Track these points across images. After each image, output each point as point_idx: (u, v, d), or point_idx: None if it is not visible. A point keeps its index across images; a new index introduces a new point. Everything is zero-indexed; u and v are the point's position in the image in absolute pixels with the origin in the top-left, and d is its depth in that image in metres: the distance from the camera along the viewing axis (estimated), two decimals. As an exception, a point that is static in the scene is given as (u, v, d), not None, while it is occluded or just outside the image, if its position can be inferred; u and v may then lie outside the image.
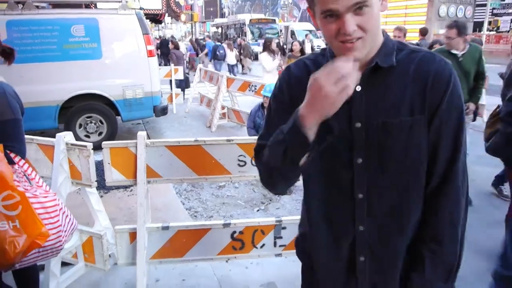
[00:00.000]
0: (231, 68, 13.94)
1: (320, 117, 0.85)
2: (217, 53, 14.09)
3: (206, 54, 14.99)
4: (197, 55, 15.19)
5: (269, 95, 4.90)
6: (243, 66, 15.50)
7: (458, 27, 3.38)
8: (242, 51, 16.16)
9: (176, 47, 11.70)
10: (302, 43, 7.57)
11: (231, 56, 14.17)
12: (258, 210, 3.96)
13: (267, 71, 7.04)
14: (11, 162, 1.71)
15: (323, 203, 1.04)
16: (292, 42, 7.42)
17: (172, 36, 22.31)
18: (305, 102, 0.86)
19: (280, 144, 0.90)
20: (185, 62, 12.79)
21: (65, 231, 1.78)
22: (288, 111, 0.92)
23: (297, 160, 0.90)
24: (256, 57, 21.58)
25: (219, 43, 15.16)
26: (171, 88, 8.56)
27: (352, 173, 0.97)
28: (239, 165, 2.39)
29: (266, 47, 7.17)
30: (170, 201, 4.02)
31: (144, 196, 2.34)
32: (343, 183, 0.98)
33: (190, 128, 7.39)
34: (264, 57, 7.13)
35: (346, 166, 0.97)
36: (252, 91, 6.37)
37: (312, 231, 1.08)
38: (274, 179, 1.01)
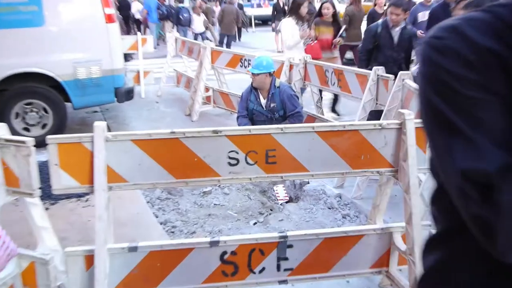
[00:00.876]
0: (197, 38, 13.74)
1: None
2: (180, 17, 13.96)
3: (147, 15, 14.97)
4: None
5: (258, 71, 5.01)
6: (228, 36, 14.99)
7: None
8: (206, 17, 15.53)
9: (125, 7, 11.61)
10: (334, 5, 6.79)
11: (198, 22, 14.05)
12: (255, 223, 3.98)
13: (289, 46, 6.37)
14: None
15: None
16: (322, 4, 6.80)
17: None
18: None
19: None
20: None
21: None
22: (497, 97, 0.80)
23: None
24: (251, 23, 21.48)
25: (181, 5, 14.99)
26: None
27: None
28: (229, 164, 2.40)
29: (294, 11, 6.43)
30: (139, 213, 4.03)
31: (104, 207, 2.34)
32: None
33: (164, 117, 7.39)
34: (287, 25, 6.42)
35: None
36: (245, 67, 6.37)
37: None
38: None
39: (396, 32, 5.36)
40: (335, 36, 6.67)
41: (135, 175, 2.37)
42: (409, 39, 5.41)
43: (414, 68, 5.20)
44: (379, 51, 5.41)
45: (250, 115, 4.92)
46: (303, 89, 5.80)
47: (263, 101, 4.86)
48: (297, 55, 5.90)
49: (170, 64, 8.81)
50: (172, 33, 9.17)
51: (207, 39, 12.13)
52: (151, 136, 2.35)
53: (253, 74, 4.78)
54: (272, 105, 4.82)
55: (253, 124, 4.81)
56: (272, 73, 4.80)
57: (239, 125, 4.89)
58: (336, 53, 6.87)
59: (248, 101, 4.91)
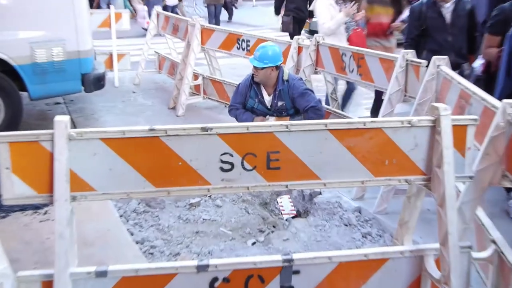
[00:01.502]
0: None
1: None
2: None
3: None
4: None
5: (262, 65, 4.86)
6: (215, 7, 14.83)
7: None
8: None
9: None
10: None
11: None
12: (254, 243, 3.98)
13: (329, 31, 6.05)
14: None
15: None
16: None
17: None
18: None
19: None
20: None
21: None
22: None
23: None
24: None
25: None
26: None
27: None
28: (222, 169, 2.40)
29: None
30: (109, 229, 4.02)
31: (67, 222, 2.33)
32: None
33: (143, 110, 7.40)
34: (323, 4, 6.16)
35: None
36: (243, 49, 6.38)
37: None
38: None
39: (447, 9, 5.11)
40: (394, 20, 6.28)
41: (105, 182, 2.36)
42: (467, 15, 5.11)
43: (478, 63, 4.80)
44: (429, 36, 5.16)
45: (250, 111, 4.89)
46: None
47: (267, 99, 4.77)
48: (338, 41, 5.72)
49: (150, 45, 8.83)
50: (141, 5, 9.17)
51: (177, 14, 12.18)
52: (126, 134, 2.34)
53: (255, 67, 4.69)
54: (279, 103, 4.72)
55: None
56: (279, 66, 4.70)
57: (236, 118, 4.84)
58: (393, 41, 6.47)
59: (247, 97, 4.83)
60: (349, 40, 6.17)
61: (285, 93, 4.69)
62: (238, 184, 2.42)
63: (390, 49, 6.25)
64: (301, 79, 5.03)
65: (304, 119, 4.59)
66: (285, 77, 4.72)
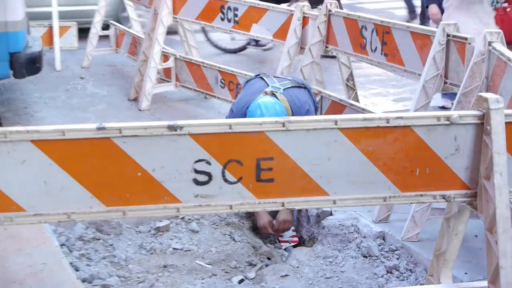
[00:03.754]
0: None
1: None
2: None
3: None
4: None
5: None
6: None
7: None
8: None
9: None
10: None
11: None
12: (241, 281, 3.97)
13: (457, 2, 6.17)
14: None
15: None
16: None
17: None
18: None
19: None
20: None
21: None
22: None
23: None
24: None
25: None
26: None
27: None
28: (196, 181, 2.40)
29: None
30: (46, 263, 4.00)
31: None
32: None
33: (94, 103, 7.37)
34: None
35: None
36: (229, 20, 6.39)
37: None
38: None
39: None
40: None
41: (39, 199, 2.36)
42: None
43: None
44: None
45: None
46: None
47: None
48: (470, 23, 5.66)
49: (104, 15, 8.81)
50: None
51: None
52: (66, 135, 2.34)
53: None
54: None
55: None
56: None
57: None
58: None
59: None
60: (498, 21, 6.05)
61: None
62: (218, 201, 2.43)
63: None
64: (308, 110, 4.89)
65: None
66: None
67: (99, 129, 2.35)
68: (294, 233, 4.55)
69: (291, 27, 5.70)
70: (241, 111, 4.76)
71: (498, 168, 2.45)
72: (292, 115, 4.57)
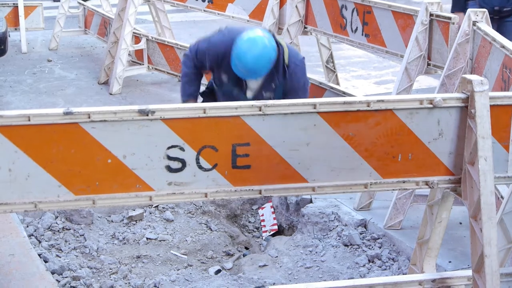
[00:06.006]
0: None
1: None
2: None
3: None
4: None
5: (264, 73, 4.62)
6: None
7: None
8: None
9: None
10: None
11: None
12: (218, 272, 3.98)
13: None
14: None
15: None
16: None
17: None
18: None
19: None
20: None
21: None
22: None
23: None
24: None
25: None
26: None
27: None
28: (169, 169, 2.40)
29: None
30: (13, 254, 3.98)
31: None
32: None
33: (62, 87, 7.32)
34: None
35: None
36: (205, 0, 6.35)
37: None
38: None
39: None
40: None
41: (4, 188, 2.34)
42: None
43: None
44: None
45: (211, 91, 4.75)
46: None
47: (252, 86, 4.60)
48: None
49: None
50: None
51: None
52: (31, 120, 2.31)
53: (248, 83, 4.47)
54: (266, 94, 4.51)
55: (214, 101, 4.70)
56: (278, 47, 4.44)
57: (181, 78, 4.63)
58: None
59: (216, 71, 4.66)
60: None
61: (280, 82, 4.54)
62: (193, 189, 2.42)
63: None
64: (304, 60, 4.75)
65: None
66: (286, 61, 4.49)
67: (66, 114, 2.33)
68: (275, 221, 4.55)
69: (268, 6, 5.68)
70: (220, 46, 4.46)
71: (483, 153, 2.46)
72: (289, 58, 4.41)
